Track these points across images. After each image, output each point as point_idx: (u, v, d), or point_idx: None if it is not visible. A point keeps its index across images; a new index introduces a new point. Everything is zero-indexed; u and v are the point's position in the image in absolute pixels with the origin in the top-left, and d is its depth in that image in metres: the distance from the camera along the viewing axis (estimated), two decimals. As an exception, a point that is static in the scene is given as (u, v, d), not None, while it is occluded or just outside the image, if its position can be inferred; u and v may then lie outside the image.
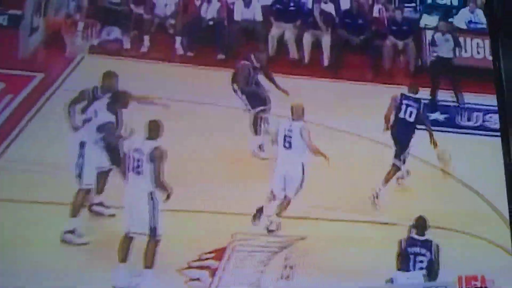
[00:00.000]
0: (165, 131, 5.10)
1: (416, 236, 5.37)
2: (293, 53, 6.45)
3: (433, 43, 6.67)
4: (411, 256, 5.36)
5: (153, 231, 4.92)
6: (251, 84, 5.83)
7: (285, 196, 5.41)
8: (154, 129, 5.02)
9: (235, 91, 5.85)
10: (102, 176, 5.16)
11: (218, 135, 5.74)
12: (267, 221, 5.41)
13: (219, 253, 5.12)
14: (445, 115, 6.39)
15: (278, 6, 6.51)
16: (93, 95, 5.13)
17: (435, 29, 6.74)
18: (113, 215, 5.25)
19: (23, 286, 4.82)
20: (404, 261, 5.32)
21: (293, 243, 5.31)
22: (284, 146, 5.49)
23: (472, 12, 6.88)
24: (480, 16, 6.82)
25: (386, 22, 6.77)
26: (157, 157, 4.98)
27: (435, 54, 6.61)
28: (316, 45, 6.52)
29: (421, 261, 5.38)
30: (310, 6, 6.61)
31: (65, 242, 5.00)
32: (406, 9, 6.90)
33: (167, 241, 4.96)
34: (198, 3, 6.33)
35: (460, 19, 6.90)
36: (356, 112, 6.08)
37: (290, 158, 5.47)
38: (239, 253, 5.16)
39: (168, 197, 4.98)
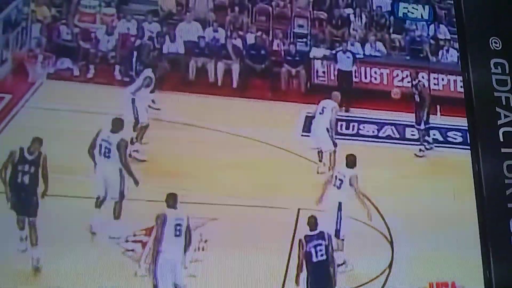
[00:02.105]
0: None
1: (310, 233, 5.95)
2: (210, 78, 7.39)
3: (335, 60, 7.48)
4: (312, 250, 5.90)
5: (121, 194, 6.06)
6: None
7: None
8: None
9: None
10: None
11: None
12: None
13: (149, 231, 5.91)
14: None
15: (196, 50, 7.47)
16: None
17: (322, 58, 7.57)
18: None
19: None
20: (309, 256, 5.87)
21: (206, 222, 6.10)
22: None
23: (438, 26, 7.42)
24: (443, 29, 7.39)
25: (282, 53, 7.69)
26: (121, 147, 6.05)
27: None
28: (228, 71, 7.44)
29: (321, 250, 5.88)
30: (223, 41, 7.57)
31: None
32: (298, 43, 7.85)
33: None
34: (132, 39, 7.31)
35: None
36: (259, 123, 6.93)
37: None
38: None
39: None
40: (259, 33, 7.79)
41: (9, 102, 6.59)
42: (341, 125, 7.32)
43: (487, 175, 6.04)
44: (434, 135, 7.19)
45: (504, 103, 6.25)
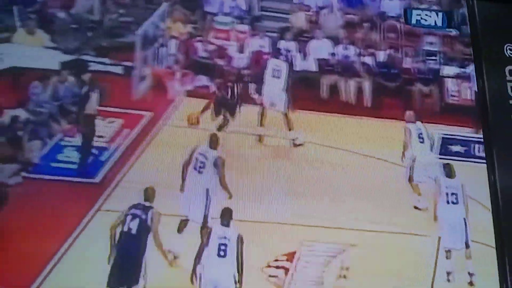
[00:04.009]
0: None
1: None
2: (342, 96, 7.10)
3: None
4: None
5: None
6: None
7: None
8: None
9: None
10: None
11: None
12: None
13: (291, 256, 5.65)
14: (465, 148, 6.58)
15: (327, 68, 7.20)
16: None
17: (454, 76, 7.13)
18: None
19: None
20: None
21: (346, 249, 5.79)
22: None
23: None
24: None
25: (414, 71, 7.29)
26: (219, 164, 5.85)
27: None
28: (359, 90, 7.10)
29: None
30: (353, 58, 7.30)
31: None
32: (429, 61, 7.37)
33: (249, 246, 5.56)
34: (266, 57, 7.09)
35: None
36: (394, 144, 6.57)
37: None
38: (305, 257, 5.69)
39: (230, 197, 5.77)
40: (389, 51, 7.52)
41: (151, 120, 6.50)
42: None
43: (503, 185, 5.82)
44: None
45: (519, 110, 5.95)
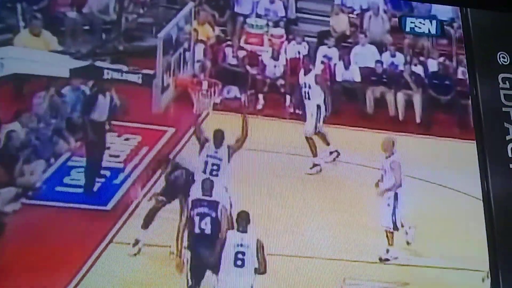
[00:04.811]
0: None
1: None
2: (391, 111, 6.53)
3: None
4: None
5: None
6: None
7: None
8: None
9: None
10: None
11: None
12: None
13: None
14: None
15: (373, 78, 6.65)
16: None
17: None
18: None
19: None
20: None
21: None
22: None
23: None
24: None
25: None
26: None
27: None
28: (409, 103, 6.58)
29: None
30: (402, 67, 6.69)
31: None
32: None
33: (285, 284, 5.27)
34: (303, 66, 6.44)
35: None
36: (448, 166, 6.13)
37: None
38: None
39: None
40: (441, 59, 6.84)
41: (172, 137, 5.94)
42: None
43: (496, 192, 5.84)
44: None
45: (512, 118, 6.06)
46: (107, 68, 5.86)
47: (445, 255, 5.65)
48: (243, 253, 5.06)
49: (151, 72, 6.03)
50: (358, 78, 6.65)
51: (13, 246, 5.03)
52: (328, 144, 6.16)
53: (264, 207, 5.58)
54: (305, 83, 6.33)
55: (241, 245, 5.07)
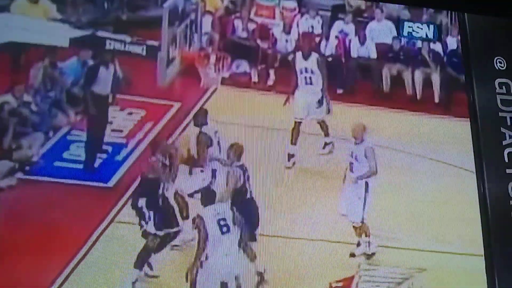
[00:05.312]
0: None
1: None
2: (408, 90, 6.34)
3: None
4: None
5: None
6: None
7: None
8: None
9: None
10: None
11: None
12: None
13: (348, 282, 5.23)
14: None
15: (390, 55, 6.45)
16: None
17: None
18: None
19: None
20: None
21: (413, 274, 5.36)
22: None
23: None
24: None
25: None
26: None
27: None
28: (427, 82, 6.41)
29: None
30: (419, 44, 6.50)
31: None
32: None
33: (301, 269, 5.16)
34: (317, 39, 6.30)
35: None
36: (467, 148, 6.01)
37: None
38: (364, 283, 5.26)
39: None
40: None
41: (178, 111, 5.73)
42: None
43: (492, 197, 5.80)
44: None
45: (509, 123, 6.13)
46: (109, 38, 5.70)
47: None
48: (224, 219, 5.05)
49: (155, 43, 5.86)
50: (374, 55, 6.44)
51: (8, 225, 4.82)
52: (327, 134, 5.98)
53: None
54: (306, 68, 6.09)
55: (219, 213, 5.07)
